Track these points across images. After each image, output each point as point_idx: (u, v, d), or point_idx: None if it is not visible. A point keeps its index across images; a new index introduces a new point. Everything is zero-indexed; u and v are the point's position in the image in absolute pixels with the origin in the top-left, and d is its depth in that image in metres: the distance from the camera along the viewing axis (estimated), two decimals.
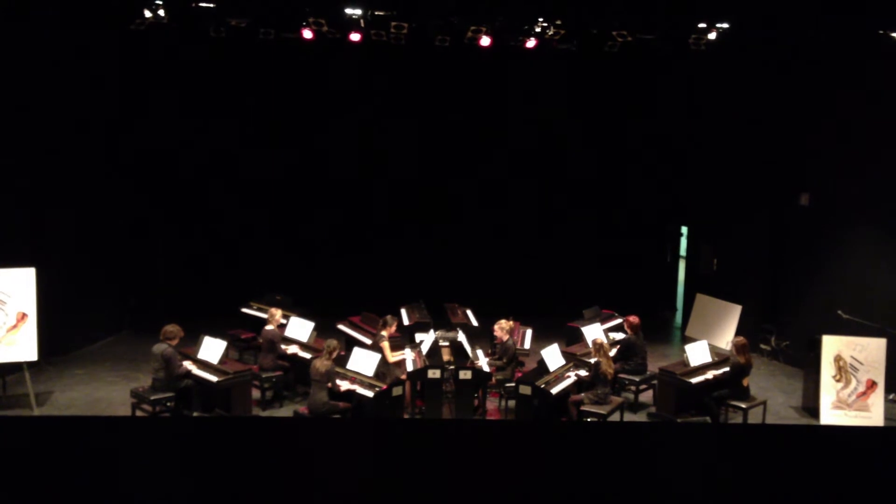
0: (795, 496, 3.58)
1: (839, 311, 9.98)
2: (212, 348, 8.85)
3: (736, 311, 12.38)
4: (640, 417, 9.53)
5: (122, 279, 12.49)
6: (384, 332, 9.26)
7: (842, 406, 9.12)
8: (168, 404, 8.40)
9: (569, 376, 9.00)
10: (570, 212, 14.38)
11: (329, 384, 8.14)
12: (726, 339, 12.05)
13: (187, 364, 8.67)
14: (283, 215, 13.93)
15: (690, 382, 8.97)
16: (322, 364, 8.11)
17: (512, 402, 9.17)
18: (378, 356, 8.65)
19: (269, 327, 9.37)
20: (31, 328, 8.83)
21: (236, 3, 10.43)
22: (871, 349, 9.12)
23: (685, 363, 9.30)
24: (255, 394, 9.29)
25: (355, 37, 10.82)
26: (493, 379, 9.17)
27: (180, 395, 8.55)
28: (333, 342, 8.39)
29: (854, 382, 9.12)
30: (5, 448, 3.58)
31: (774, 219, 12.02)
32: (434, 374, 8.69)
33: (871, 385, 9.09)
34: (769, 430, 7.14)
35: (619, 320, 11.10)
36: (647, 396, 9.86)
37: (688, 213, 14.55)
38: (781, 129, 11.68)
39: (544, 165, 14.25)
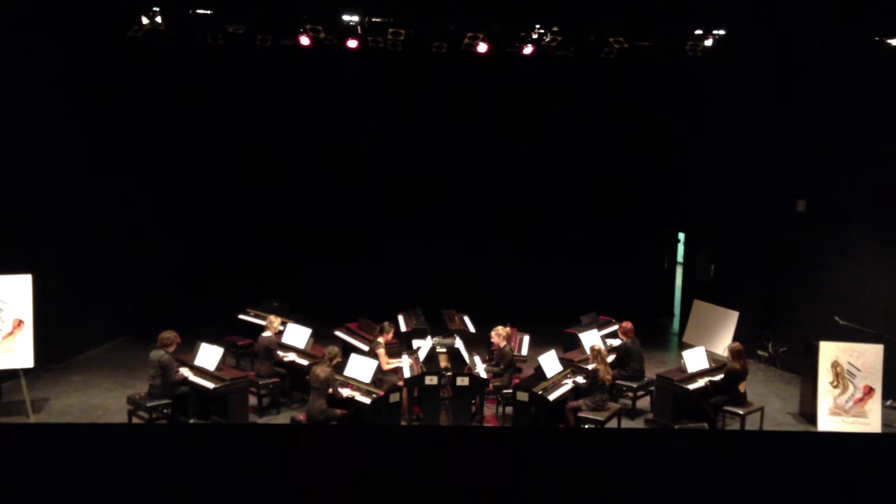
0: (792, 503, 3.58)
1: (836, 317, 9.99)
2: (208, 355, 8.83)
3: (733, 317, 12.38)
4: (638, 424, 9.52)
5: (118, 286, 12.48)
6: (381, 339, 9.25)
7: (839, 412, 9.12)
8: (165, 411, 8.37)
9: (566, 383, 8.99)
10: (567, 218, 14.40)
11: (330, 390, 8.12)
12: (723, 345, 12.05)
13: (184, 371, 8.64)
14: (280, 221, 13.92)
15: (688, 389, 8.97)
16: (322, 371, 8.09)
17: (509, 409, 9.16)
18: (375, 362, 8.64)
19: (266, 334, 9.35)
20: (27, 335, 8.81)
21: (233, 10, 10.45)
22: (868, 355, 9.13)
23: (682, 369, 9.30)
24: (252, 400, 9.27)
25: (352, 43, 10.84)
26: (491, 385, 9.16)
27: (177, 402, 8.52)
28: (334, 349, 8.38)
29: (851, 388, 9.12)
30: (1, 455, 3.57)
31: (771, 225, 12.04)
32: (431, 380, 8.67)
33: (869, 391, 9.09)
34: (766, 436, 7.14)
35: (617, 326, 11.11)
36: (644, 403, 9.85)
37: (685, 220, 14.56)
38: (778, 135, 11.71)
39: (542, 171, 14.27)
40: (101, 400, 9.63)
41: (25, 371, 9.00)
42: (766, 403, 9.63)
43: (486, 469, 3.66)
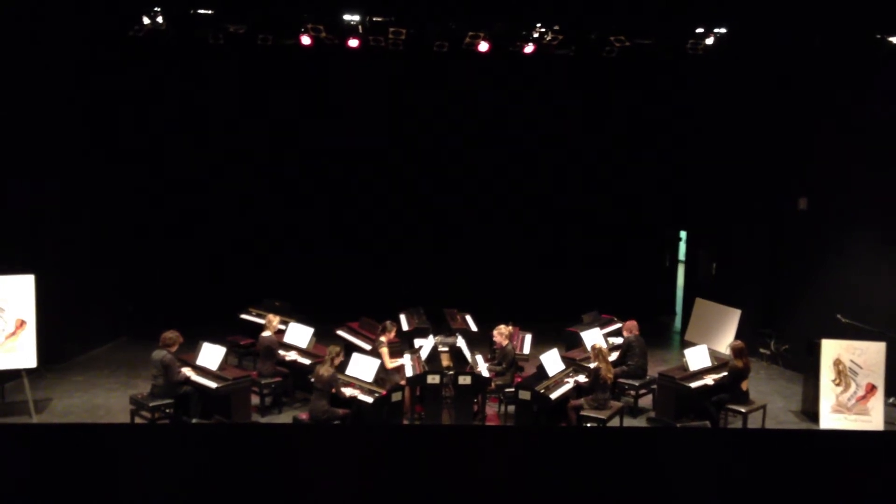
0: (795, 501, 3.58)
1: (838, 315, 9.98)
2: (211, 354, 8.84)
3: (735, 315, 12.38)
4: (640, 422, 9.52)
5: (120, 286, 12.49)
6: (383, 338, 9.26)
7: (841, 410, 9.11)
8: (167, 411, 8.38)
9: (568, 381, 8.99)
10: (568, 216, 14.40)
11: (333, 390, 8.12)
12: (725, 343, 12.04)
13: (186, 370, 8.64)
14: (282, 221, 13.93)
15: (690, 387, 8.96)
16: (325, 371, 8.09)
17: (511, 408, 9.16)
18: (378, 362, 8.64)
19: (265, 333, 9.36)
20: (29, 335, 8.82)
21: (234, 10, 10.45)
22: (870, 353, 9.12)
23: (684, 368, 9.30)
24: (255, 400, 9.28)
25: (353, 42, 10.84)
26: (493, 384, 9.16)
27: (179, 402, 8.52)
28: (335, 348, 8.38)
29: (853, 386, 9.12)
30: (3, 456, 3.57)
31: (773, 223, 12.03)
32: (433, 379, 8.67)
33: (871, 389, 9.08)
34: (769, 434, 7.14)
35: (619, 325, 11.10)
36: (646, 401, 9.85)
37: (686, 218, 14.56)
38: (780, 133, 11.70)
39: (543, 170, 14.27)
40: (104, 400, 9.65)
41: (28, 371, 9.01)
42: (769, 401, 9.62)
43: (488, 468, 3.66)
